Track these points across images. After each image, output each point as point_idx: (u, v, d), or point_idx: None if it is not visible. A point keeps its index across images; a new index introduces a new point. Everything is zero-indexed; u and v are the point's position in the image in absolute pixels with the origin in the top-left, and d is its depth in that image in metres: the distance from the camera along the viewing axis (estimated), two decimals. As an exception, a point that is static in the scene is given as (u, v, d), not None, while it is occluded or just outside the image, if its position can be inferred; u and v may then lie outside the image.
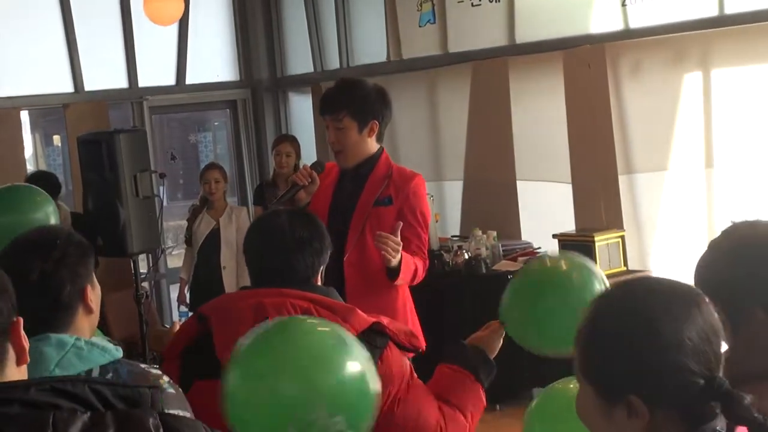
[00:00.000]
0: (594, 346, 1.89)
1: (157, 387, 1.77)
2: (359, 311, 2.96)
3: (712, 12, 6.81)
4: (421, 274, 4.52)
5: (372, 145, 4.60)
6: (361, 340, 2.83)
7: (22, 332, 1.78)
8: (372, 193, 4.58)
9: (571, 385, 2.44)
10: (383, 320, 2.98)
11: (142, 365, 2.63)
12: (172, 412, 2.38)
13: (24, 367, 1.82)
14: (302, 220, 3.15)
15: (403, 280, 4.41)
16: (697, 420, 1.82)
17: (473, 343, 3.19)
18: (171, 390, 2.55)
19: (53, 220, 5.75)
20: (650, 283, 2.02)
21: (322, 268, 3.14)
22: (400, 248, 4.29)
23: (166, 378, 2.58)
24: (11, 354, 1.78)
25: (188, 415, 2.49)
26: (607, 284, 2.89)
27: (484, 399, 3.17)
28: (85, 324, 2.60)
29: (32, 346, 2.40)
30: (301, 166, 8.80)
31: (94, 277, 2.68)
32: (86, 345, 2.48)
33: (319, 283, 3.15)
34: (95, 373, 2.47)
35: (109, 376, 2.46)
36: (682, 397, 1.81)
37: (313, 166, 4.73)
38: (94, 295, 2.63)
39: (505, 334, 3.17)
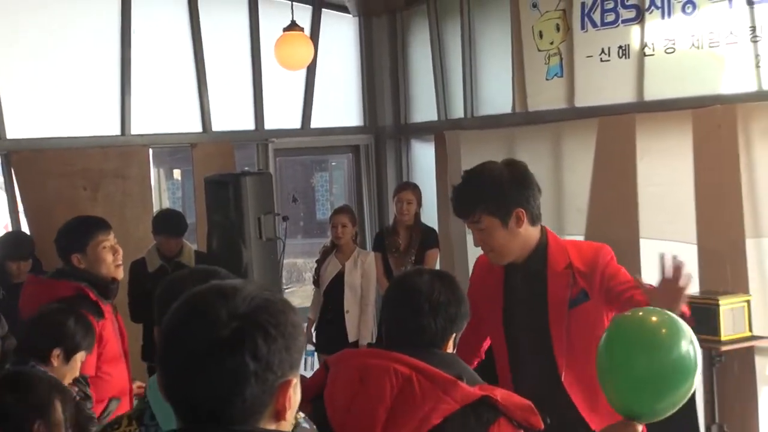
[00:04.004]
0: None
1: None
2: (463, 384, 2.84)
3: None
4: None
5: (530, 233, 3.95)
6: (469, 413, 2.78)
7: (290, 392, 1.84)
8: (560, 295, 3.94)
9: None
10: (497, 394, 2.86)
11: None
12: None
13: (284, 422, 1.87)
14: (444, 283, 3.08)
15: None
16: None
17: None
18: (305, 425, 2.60)
19: None
20: None
21: (455, 335, 3.08)
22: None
23: (302, 414, 2.62)
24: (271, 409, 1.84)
25: None
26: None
27: None
28: None
29: None
30: (420, 214, 8.85)
31: None
32: None
33: (449, 349, 3.07)
34: None
35: None
36: None
37: None
38: None
39: None
